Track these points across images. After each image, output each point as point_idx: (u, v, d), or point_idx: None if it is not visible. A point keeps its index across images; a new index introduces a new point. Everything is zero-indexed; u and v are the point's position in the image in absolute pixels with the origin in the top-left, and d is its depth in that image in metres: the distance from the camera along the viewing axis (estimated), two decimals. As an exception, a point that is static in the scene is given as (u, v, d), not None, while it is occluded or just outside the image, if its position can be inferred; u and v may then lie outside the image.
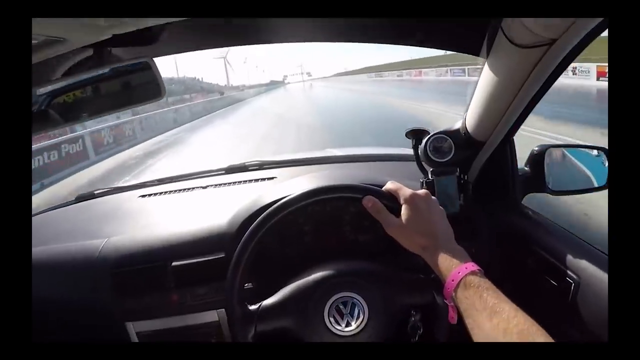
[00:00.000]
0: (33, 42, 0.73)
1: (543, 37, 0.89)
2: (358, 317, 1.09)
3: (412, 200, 1.04)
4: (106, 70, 0.99)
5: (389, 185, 1.10)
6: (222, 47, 1.44)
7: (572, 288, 1.15)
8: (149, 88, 1.01)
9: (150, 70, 0.99)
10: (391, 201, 1.07)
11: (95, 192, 2.15)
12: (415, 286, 1.14)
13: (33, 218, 1.98)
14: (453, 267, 0.92)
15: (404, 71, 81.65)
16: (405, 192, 1.06)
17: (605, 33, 0.87)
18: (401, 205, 1.04)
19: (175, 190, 2.00)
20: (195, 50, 1.43)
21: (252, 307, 1.11)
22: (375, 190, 1.09)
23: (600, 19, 0.79)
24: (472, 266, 0.91)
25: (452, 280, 0.89)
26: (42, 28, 0.70)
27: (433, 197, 1.07)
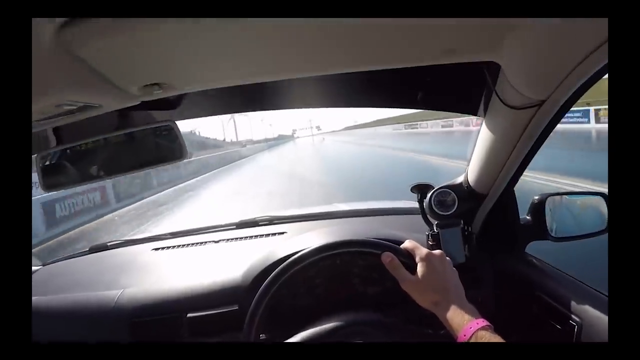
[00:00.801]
0: (72, 107, 0.79)
1: (532, 99, 0.97)
2: None
3: (428, 259, 1.09)
4: (130, 130, 1.06)
5: (407, 244, 1.15)
6: (241, 112, 1.51)
7: (576, 330, 1.18)
8: (172, 149, 1.07)
9: (173, 132, 1.05)
10: (408, 258, 1.12)
11: (108, 243, 2.18)
12: (424, 340, 1.17)
13: (49, 266, 2.01)
14: (465, 322, 0.95)
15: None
16: (422, 251, 1.11)
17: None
18: (417, 263, 1.09)
19: (188, 244, 2.03)
20: (212, 115, 1.51)
21: None
22: (393, 248, 1.14)
23: (585, 79, 0.84)
24: (483, 322, 0.94)
25: (464, 335, 0.93)
26: (82, 96, 0.76)
27: (447, 258, 1.11)
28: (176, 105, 1.12)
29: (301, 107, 1.44)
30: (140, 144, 1.08)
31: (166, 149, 1.07)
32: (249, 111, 1.47)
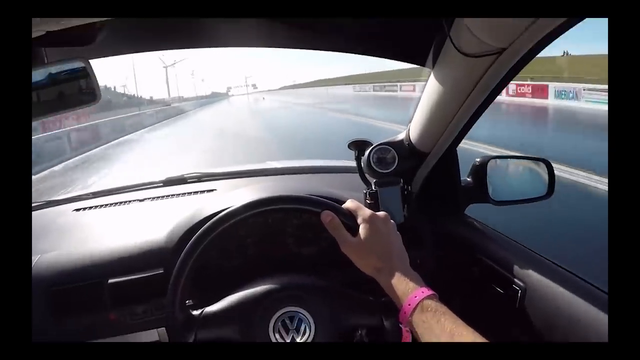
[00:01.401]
0: None
1: (492, 46, 0.90)
2: (304, 333, 1.06)
3: (371, 220, 1.02)
4: (38, 71, 0.93)
5: (349, 204, 1.08)
6: (161, 50, 1.38)
7: (519, 295, 1.17)
8: (83, 92, 0.95)
9: (85, 72, 0.93)
10: (349, 219, 1.05)
11: None
12: (363, 307, 1.11)
13: None
14: (409, 290, 0.91)
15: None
16: (365, 212, 1.04)
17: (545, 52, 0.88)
18: (359, 225, 1.03)
19: (111, 204, 1.92)
20: (132, 52, 1.36)
21: (195, 313, 1.06)
22: (334, 206, 1.06)
23: (551, 29, 0.79)
24: (428, 290, 0.90)
25: (409, 304, 0.88)
26: None
27: (392, 221, 1.06)
28: (90, 40, 0.99)
29: (236, 45, 1.34)
30: (48, 86, 0.95)
31: (78, 91, 0.95)
32: (177, 48, 1.34)
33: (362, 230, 1.01)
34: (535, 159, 1.57)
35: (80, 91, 0.95)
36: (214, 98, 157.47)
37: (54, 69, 0.93)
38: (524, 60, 0.95)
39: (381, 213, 1.05)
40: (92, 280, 1.35)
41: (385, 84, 57.83)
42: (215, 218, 1.06)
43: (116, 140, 22.55)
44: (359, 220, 1.03)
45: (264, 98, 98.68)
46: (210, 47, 1.35)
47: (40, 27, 0.75)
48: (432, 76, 1.17)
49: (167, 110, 50.26)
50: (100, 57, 1.26)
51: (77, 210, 1.88)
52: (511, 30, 0.83)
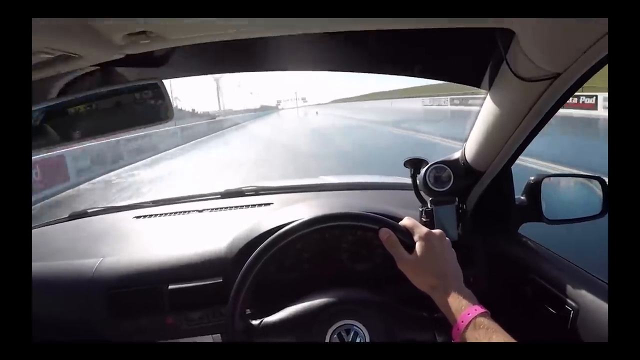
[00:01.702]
0: (48, 56, 0.74)
1: (547, 71, 0.91)
2: None
3: (427, 238, 1.04)
4: (113, 89, 0.99)
5: (406, 222, 1.10)
6: (230, 72, 1.44)
7: (571, 315, 1.16)
8: (157, 109, 1.00)
9: (159, 91, 0.98)
10: (406, 237, 1.07)
11: (89, 210, 2.13)
12: (417, 323, 1.13)
13: None
14: (463, 308, 0.92)
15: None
16: (421, 230, 1.06)
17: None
18: (415, 242, 1.05)
19: (171, 213, 1.99)
20: (201, 74, 1.44)
21: (254, 322, 1.10)
22: (391, 224, 1.09)
23: (603, 55, 0.80)
24: (481, 308, 0.91)
25: (462, 321, 0.90)
26: (60, 43, 0.71)
27: (447, 239, 1.07)
28: (163, 62, 1.05)
29: (293, 69, 1.38)
30: (125, 104, 1.01)
31: (151, 110, 1.01)
32: (241, 71, 1.39)
33: (418, 247, 1.03)
34: (589, 177, 1.54)
35: (154, 109, 1.00)
36: (263, 112, 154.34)
37: (129, 88, 1.00)
38: (577, 84, 0.95)
39: (437, 231, 1.07)
40: (152, 285, 1.42)
41: (469, 96, 45.18)
42: (277, 233, 1.10)
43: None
44: (416, 238, 1.05)
45: (317, 112, 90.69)
46: (274, 70, 1.40)
47: (122, 51, 0.82)
48: (488, 98, 1.19)
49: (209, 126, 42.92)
50: (172, 78, 1.33)
51: (138, 217, 1.96)
52: (567, 55, 0.84)
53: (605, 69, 0.85)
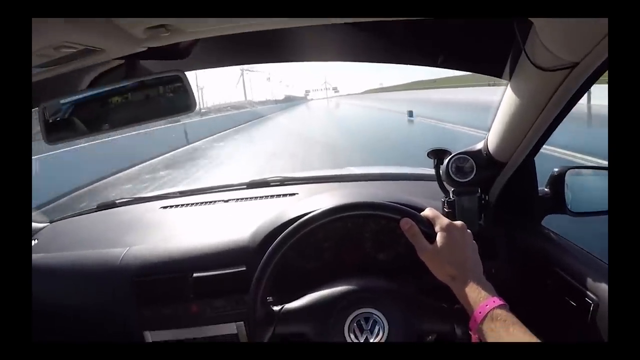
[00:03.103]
0: (72, 50, 0.76)
1: (566, 60, 0.90)
2: (377, 335, 1.09)
3: (448, 229, 1.05)
4: (137, 81, 1.02)
5: (427, 212, 1.11)
6: (252, 63, 1.47)
7: (592, 308, 1.15)
8: (180, 100, 1.03)
9: (181, 82, 1.01)
10: (427, 227, 1.08)
11: (117, 201, 2.19)
12: (437, 313, 1.14)
13: (56, 223, 2.02)
14: (481, 299, 0.93)
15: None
16: (442, 220, 1.07)
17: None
18: (436, 233, 1.06)
19: (197, 203, 2.02)
20: (224, 65, 1.46)
21: (275, 308, 1.12)
22: (413, 214, 1.10)
23: None
24: (499, 300, 0.92)
25: (480, 312, 0.91)
26: (82, 38, 0.73)
27: (469, 231, 1.08)
28: (185, 54, 1.07)
29: (316, 60, 1.41)
30: (149, 96, 1.04)
31: (175, 101, 1.03)
32: (262, 62, 1.42)
33: (439, 238, 1.04)
34: None
35: (178, 100, 1.03)
36: (287, 103, 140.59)
37: (152, 80, 1.02)
38: (596, 74, 0.94)
39: (458, 222, 1.08)
40: (177, 274, 1.46)
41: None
42: (298, 221, 1.12)
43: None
44: (437, 229, 1.06)
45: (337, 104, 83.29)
46: (297, 60, 1.41)
47: (144, 43, 0.84)
48: (508, 88, 1.18)
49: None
50: (195, 69, 1.35)
51: (164, 207, 2.01)
52: (583, 44, 0.84)
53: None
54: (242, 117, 45.81)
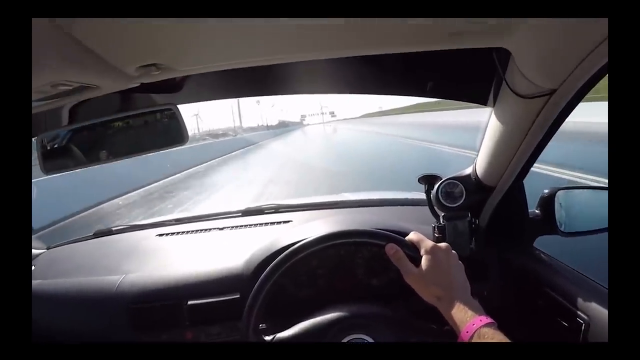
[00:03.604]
0: (68, 88, 0.79)
1: (543, 87, 0.93)
2: None
3: (433, 251, 1.07)
4: (132, 114, 1.05)
5: (412, 236, 1.14)
6: (245, 96, 1.49)
7: (583, 328, 1.15)
8: (173, 133, 1.06)
9: (174, 116, 1.04)
10: (412, 250, 1.10)
11: (113, 228, 2.20)
12: (426, 335, 1.15)
13: (53, 250, 2.04)
14: (468, 319, 0.94)
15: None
16: (427, 243, 1.10)
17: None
18: (421, 256, 1.08)
19: (193, 231, 2.03)
20: (216, 99, 1.48)
21: (267, 338, 1.14)
22: (397, 239, 1.12)
23: (598, 68, 0.81)
24: (486, 319, 0.93)
25: (467, 332, 0.92)
26: (78, 76, 0.76)
27: (453, 252, 1.10)
28: (177, 88, 1.11)
29: (306, 93, 1.44)
30: (142, 128, 1.07)
31: (167, 133, 1.06)
32: (253, 96, 1.45)
33: (424, 261, 1.06)
34: (604, 189, 1.55)
35: (170, 133, 1.06)
36: (285, 128, 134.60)
37: (145, 113, 1.05)
38: (575, 99, 0.97)
39: (443, 244, 1.10)
40: (171, 301, 1.47)
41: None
42: (289, 250, 1.14)
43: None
44: (422, 252, 1.08)
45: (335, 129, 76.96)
46: (288, 94, 1.44)
47: (137, 80, 0.87)
48: (493, 115, 1.21)
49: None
50: (187, 103, 1.38)
51: (160, 235, 2.01)
52: (560, 71, 0.87)
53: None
54: (219, 147, 34.42)
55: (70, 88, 0.79)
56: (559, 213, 1.51)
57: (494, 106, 1.20)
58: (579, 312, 1.19)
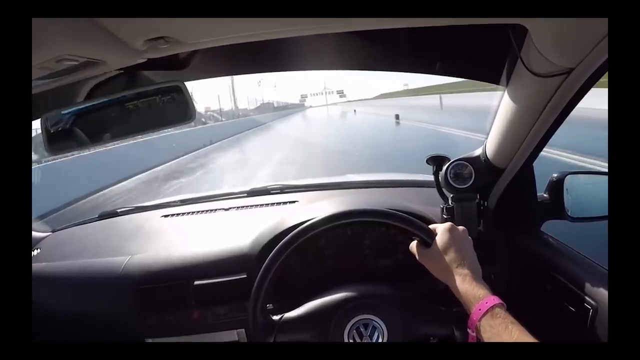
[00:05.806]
0: (73, 63, 0.76)
1: (560, 66, 0.91)
2: (377, 340, 1.10)
3: (449, 229, 1.08)
4: (137, 92, 1.03)
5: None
6: (252, 72, 1.48)
7: (590, 313, 1.15)
8: (180, 110, 1.04)
9: (181, 93, 1.02)
10: (426, 234, 1.10)
11: (118, 210, 2.19)
12: (436, 317, 1.15)
13: (58, 233, 2.03)
14: (481, 296, 0.94)
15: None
16: (442, 224, 1.11)
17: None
18: (435, 235, 1.08)
19: (198, 212, 2.03)
20: (223, 75, 1.47)
21: (275, 317, 1.13)
22: (409, 220, 1.12)
23: None
24: (498, 299, 0.93)
25: (479, 309, 0.92)
26: (83, 50, 0.74)
27: (469, 237, 1.10)
28: (185, 64, 1.09)
29: (315, 68, 1.42)
30: (149, 106, 1.05)
31: (174, 111, 1.04)
32: (262, 71, 1.43)
33: (438, 238, 1.07)
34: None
35: (177, 110, 1.04)
36: (284, 110, 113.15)
37: (152, 90, 1.03)
38: (592, 79, 0.95)
39: (461, 227, 1.10)
40: (178, 281, 1.46)
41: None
42: (297, 229, 1.13)
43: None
44: (436, 231, 1.09)
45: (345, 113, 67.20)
46: (296, 69, 1.42)
47: (144, 55, 0.85)
48: (505, 94, 1.19)
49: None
50: (195, 79, 1.36)
51: (166, 216, 2.01)
52: (578, 50, 0.85)
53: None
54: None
55: (76, 63, 0.77)
56: (568, 197, 1.50)
57: (507, 85, 1.17)
58: (586, 298, 1.18)
